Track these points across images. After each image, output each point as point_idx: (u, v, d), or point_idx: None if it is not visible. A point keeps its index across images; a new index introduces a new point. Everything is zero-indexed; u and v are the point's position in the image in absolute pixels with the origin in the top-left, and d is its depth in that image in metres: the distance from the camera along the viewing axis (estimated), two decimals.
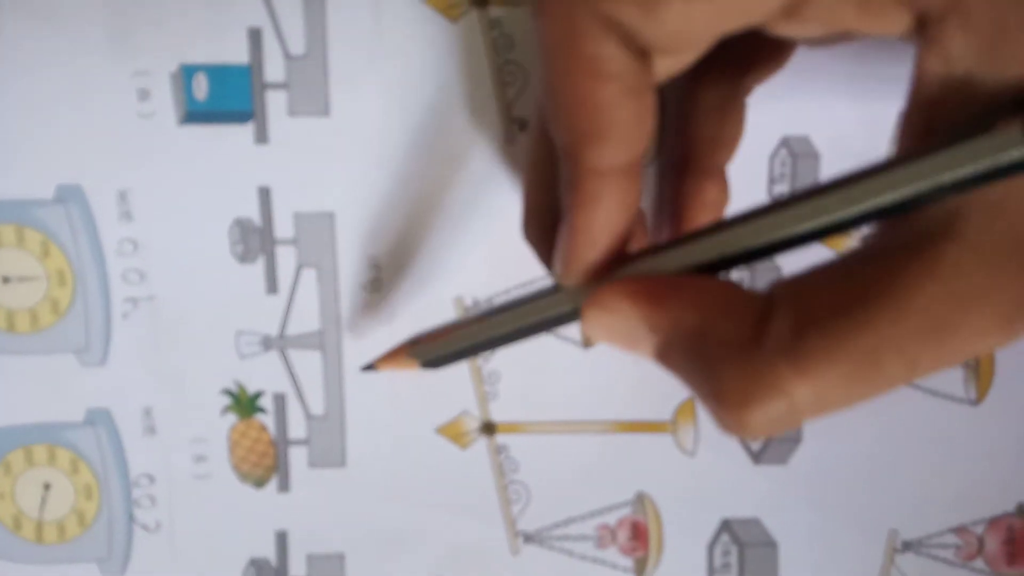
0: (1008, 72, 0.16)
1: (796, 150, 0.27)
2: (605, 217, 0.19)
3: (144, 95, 0.26)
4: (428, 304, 0.27)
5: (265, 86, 0.26)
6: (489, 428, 0.28)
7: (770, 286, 0.18)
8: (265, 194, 0.26)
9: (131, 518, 0.28)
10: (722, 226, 0.19)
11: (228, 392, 0.27)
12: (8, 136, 0.25)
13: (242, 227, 0.26)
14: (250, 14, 0.25)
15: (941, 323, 0.17)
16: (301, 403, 0.28)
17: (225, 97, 0.26)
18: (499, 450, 0.28)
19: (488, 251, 0.27)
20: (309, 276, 0.27)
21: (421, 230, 0.27)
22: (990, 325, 0.17)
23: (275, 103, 0.26)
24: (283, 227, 0.26)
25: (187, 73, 0.26)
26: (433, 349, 0.22)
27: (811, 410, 0.17)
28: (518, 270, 0.27)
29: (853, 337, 0.17)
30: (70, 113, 0.25)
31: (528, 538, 0.29)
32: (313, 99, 0.26)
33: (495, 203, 0.26)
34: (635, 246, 0.21)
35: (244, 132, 0.26)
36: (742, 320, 0.18)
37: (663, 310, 0.19)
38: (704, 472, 0.28)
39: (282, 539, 0.29)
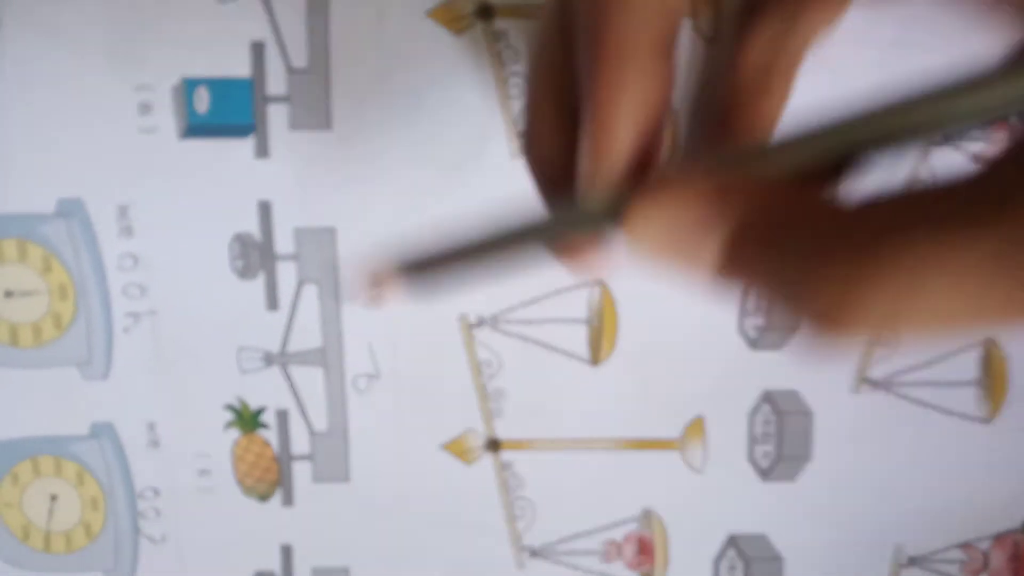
0: None
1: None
2: (636, 92, 0.16)
3: (145, 109, 0.25)
4: (432, 322, 0.27)
5: (267, 99, 0.25)
6: (494, 445, 0.28)
7: None
8: (265, 209, 0.26)
9: (137, 530, 0.28)
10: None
11: (230, 407, 0.27)
12: (10, 151, 0.25)
13: (242, 242, 0.26)
14: (253, 27, 0.25)
15: None
16: (304, 419, 0.27)
17: (226, 110, 0.25)
18: (504, 466, 0.28)
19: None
20: (310, 292, 0.26)
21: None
22: None
23: (276, 116, 0.25)
24: (284, 242, 0.26)
25: (189, 86, 0.25)
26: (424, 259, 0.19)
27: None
28: (524, 287, 0.27)
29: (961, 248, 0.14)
30: (72, 128, 0.25)
31: (534, 553, 0.28)
32: (315, 112, 0.25)
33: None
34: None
35: (245, 146, 0.26)
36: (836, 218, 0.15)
37: (743, 195, 0.16)
38: (712, 488, 0.28)
39: (287, 552, 0.28)
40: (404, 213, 0.26)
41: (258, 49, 0.25)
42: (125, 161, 0.25)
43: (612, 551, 0.28)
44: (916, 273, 0.14)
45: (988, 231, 0.14)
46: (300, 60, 0.25)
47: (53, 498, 0.28)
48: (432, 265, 0.19)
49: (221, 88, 0.25)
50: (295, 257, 0.26)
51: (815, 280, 0.15)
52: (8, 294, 0.26)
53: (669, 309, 0.27)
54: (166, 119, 0.25)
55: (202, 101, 0.25)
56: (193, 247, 0.26)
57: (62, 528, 0.28)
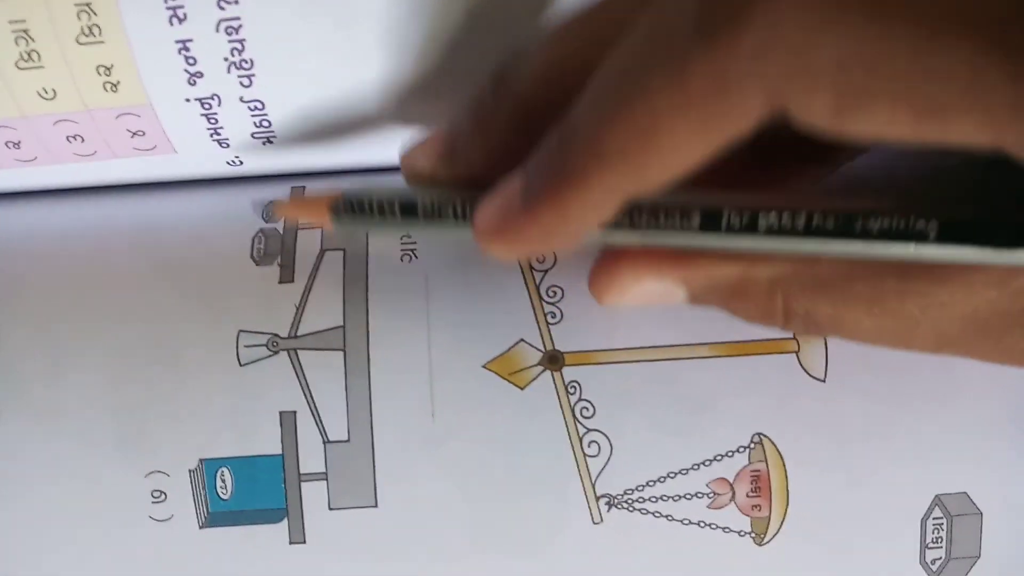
0: None
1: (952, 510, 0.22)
2: (577, 219, 0.17)
3: (160, 496, 0.21)
4: None
5: (301, 478, 0.22)
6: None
7: None
8: None
9: None
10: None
11: None
12: (11, 555, 0.22)
13: None
14: (282, 397, 0.21)
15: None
16: None
17: (254, 494, 0.22)
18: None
19: None
20: None
21: None
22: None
23: (313, 496, 0.22)
24: None
25: (210, 469, 0.21)
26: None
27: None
28: None
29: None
30: (79, 524, 0.21)
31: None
32: (358, 489, 0.22)
33: None
34: None
35: (278, 532, 0.22)
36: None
37: (693, 268, 0.19)
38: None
39: None
40: None
41: (289, 420, 0.21)
42: (138, 556, 0.22)
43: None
44: None
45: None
46: (340, 432, 0.21)
47: None
48: (365, 209, 0.19)
49: (247, 467, 0.21)
50: None
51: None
52: None
53: None
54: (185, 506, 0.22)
55: (226, 484, 0.21)
56: None
57: None
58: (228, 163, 0.24)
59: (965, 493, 0.22)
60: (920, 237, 0.16)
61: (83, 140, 0.23)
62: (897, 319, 0.18)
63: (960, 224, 0.16)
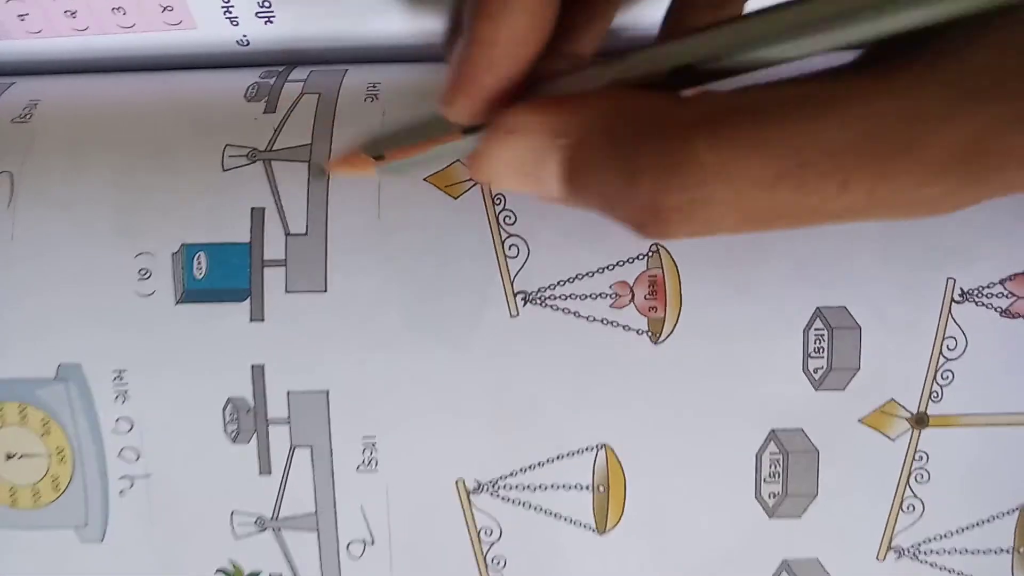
0: None
1: (833, 322, 0.25)
2: (512, 31, 0.17)
3: (145, 274, 0.26)
4: (428, 487, 0.26)
5: (264, 264, 0.26)
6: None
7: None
8: (259, 372, 0.26)
9: None
10: (659, 41, 0.17)
11: (224, 572, 0.26)
12: (13, 316, 0.26)
13: (235, 406, 0.26)
14: (254, 196, 0.26)
15: (881, 139, 0.15)
16: None
17: (223, 276, 0.25)
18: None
19: (493, 432, 0.25)
20: (302, 456, 0.26)
21: (421, 410, 0.25)
22: (931, 162, 0.15)
23: (273, 280, 0.26)
24: (277, 406, 0.26)
25: (189, 253, 0.26)
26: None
27: (732, 208, 0.16)
28: (527, 451, 0.26)
29: (779, 130, 0.15)
30: (73, 294, 0.26)
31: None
32: (311, 276, 0.25)
33: (500, 381, 0.25)
34: None
35: (240, 310, 0.26)
36: (658, 107, 0.16)
37: (574, 112, 0.17)
38: None
39: None
40: (398, 375, 0.25)
41: (258, 215, 0.26)
42: (123, 326, 0.26)
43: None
44: (723, 165, 0.15)
45: (792, 134, 0.15)
46: (299, 226, 0.26)
47: None
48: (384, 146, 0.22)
49: (220, 253, 0.26)
50: (288, 421, 0.26)
51: (635, 177, 0.16)
52: (9, 456, 0.26)
53: (681, 475, 0.25)
54: (165, 284, 0.26)
55: (200, 267, 0.26)
56: (187, 412, 0.26)
57: None
58: (238, 42, 0.30)
59: (844, 307, 0.25)
60: None
61: (125, 12, 0.29)
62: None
63: None
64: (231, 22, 0.29)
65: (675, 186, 0.16)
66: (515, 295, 0.25)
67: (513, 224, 0.26)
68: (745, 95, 0.16)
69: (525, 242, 0.25)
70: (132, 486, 0.26)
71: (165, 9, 0.29)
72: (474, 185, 0.26)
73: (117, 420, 0.26)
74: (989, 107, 0.14)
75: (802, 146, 0.15)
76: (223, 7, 0.29)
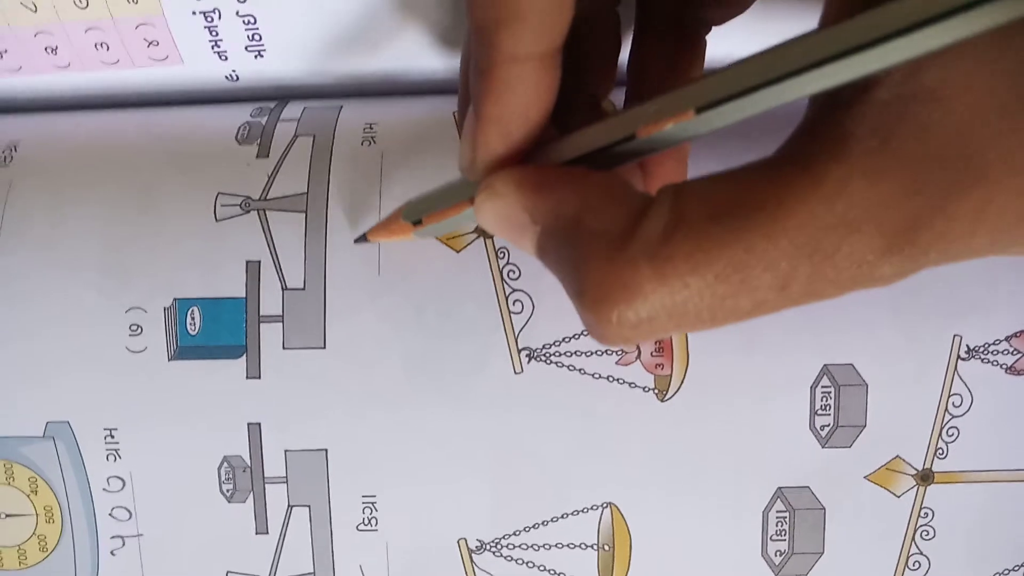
0: None
1: (840, 380, 0.25)
2: (516, 107, 0.18)
3: (136, 330, 0.25)
4: (429, 547, 0.25)
5: (260, 319, 0.25)
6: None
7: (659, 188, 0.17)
8: (256, 431, 0.25)
9: None
10: (637, 107, 0.17)
11: None
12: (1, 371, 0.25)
13: (231, 465, 0.25)
14: (249, 248, 0.25)
15: (817, 244, 0.15)
16: None
17: (218, 332, 0.25)
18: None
19: (496, 490, 0.25)
20: (300, 516, 0.25)
21: (423, 469, 0.25)
22: (868, 251, 0.15)
23: (270, 336, 0.25)
24: (274, 465, 0.25)
25: (182, 308, 0.25)
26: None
27: (671, 320, 0.16)
28: (531, 510, 0.25)
29: (720, 245, 0.16)
30: (60, 344, 0.25)
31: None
32: (309, 331, 0.25)
33: (504, 439, 0.25)
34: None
35: (236, 367, 0.25)
36: (617, 216, 0.17)
37: (544, 198, 0.18)
38: None
39: None
40: (399, 432, 0.25)
41: (253, 269, 0.25)
42: (113, 383, 0.25)
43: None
44: (669, 295, 0.16)
45: (736, 251, 0.16)
46: (296, 280, 0.25)
47: None
48: (422, 211, 0.22)
49: (214, 308, 0.25)
50: (285, 480, 0.25)
51: (581, 297, 0.17)
52: None
53: (688, 533, 0.25)
54: (157, 340, 0.25)
55: (195, 322, 0.25)
56: (181, 470, 0.25)
57: None
58: (227, 77, 0.29)
59: (851, 365, 0.25)
60: None
61: (108, 48, 0.28)
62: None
63: None
64: (220, 57, 0.28)
65: (617, 313, 0.16)
66: (519, 351, 0.25)
67: (517, 279, 0.25)
68: (689, 201, 0.17)
69: (530, 297, 0.25)
70: (124, 545, 0.25)
71: (151, 44, 0.27)
72: (477, 238, 0.25)
73: (108, 479, 0.25)
74: (914, 200, 0.15)
75: (743, 263, 0.16)
76: (211, 41, 0.27)
